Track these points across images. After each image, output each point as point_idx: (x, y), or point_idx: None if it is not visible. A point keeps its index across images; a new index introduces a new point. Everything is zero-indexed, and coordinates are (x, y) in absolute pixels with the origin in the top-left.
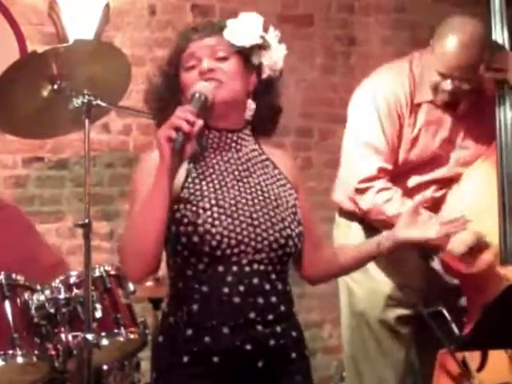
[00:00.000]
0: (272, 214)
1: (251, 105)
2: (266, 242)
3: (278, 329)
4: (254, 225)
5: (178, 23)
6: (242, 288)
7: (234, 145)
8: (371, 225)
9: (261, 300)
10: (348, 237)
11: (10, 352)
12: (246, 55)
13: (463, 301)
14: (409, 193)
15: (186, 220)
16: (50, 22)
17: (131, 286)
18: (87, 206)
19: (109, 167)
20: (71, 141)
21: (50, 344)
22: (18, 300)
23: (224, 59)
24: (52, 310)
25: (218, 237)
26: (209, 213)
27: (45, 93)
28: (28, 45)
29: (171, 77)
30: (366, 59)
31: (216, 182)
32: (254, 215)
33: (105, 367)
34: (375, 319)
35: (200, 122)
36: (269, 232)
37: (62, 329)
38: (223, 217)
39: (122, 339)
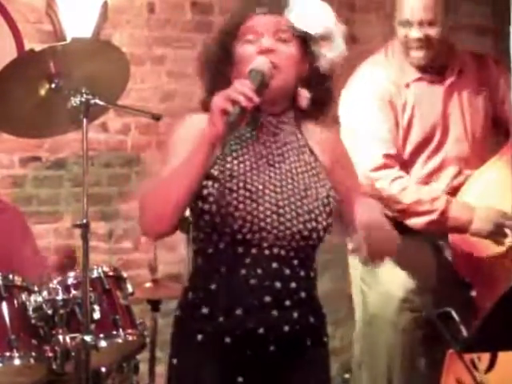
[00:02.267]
0: (299, 203)
1: (305, 93)
2: (288, 232)
3: (295, 315)
4: (278, 213)
5: (177, 21)
6: (259, 271)
7: (272, 128)
8: None
9: (278, 284)
10: None
11: (7, 354)
12: (307, 42)
13: (472, 293)
14: (424, 179)
15: (211, 198)
16: (47, 20)
17: (129, 288)
18: (85, 206)
19: (107, 167)
20: (69, 140)
21: (48, 346)
22: (16, 301)
23: (285, 41)
24: (50, 312)
25: (240, 221)
26: (235, 195)
27: (42, 91)
28: (25, 43)
29: (227, 46)
30: (367, 57)
31: (248, 163)
32: (281, 203)
33: (103, 369)
34: (388, 323)
35: (257, 100)
36: (293, 222)
37: (60, 330)
38: (248, 201)
39: (120, 341)
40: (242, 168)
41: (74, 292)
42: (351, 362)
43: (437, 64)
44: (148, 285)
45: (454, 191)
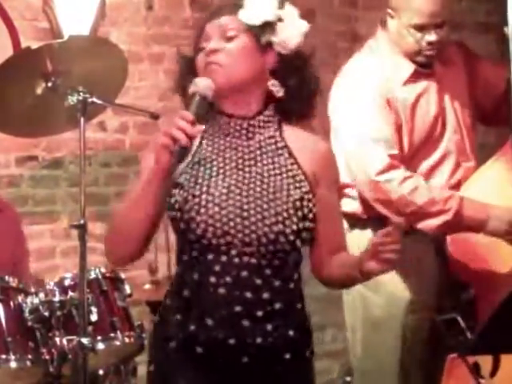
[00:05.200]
0: (266, 206)
1: (275, 86)
2: (253, 236)
3: (269, 327)
4: (242, 216)
5: (175, 19)
6: (228, 279)
7: (244, 132)
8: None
9: (249, 294)
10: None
11: (3, 356)
12: (257, 34)
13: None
14: (425, 175)
15: (176, 206)
16: (44, 17)
17: (128, 289)
18: (82, 207)
19: (105, 167)
20: (66, 139)
21: (45, 348)
22: (12, 303)
23: (232, 39)
24: (46, 314)
25: (202, 225)
26: (197, 200)
27: (39, 90)
28: (22, 40)
29: (191, 59)
30: None
31: (215, 168)
32: (246, 206)
33: (100, 372)
34: (394, 329)
35: (199, 128)
36: (258, 225)
37: (57, 332)
38: (210, 205)
39: (118, 343)
40: (208, 173)
41: (71, 294)
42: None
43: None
44: (147, 286)
45: (454, 188)
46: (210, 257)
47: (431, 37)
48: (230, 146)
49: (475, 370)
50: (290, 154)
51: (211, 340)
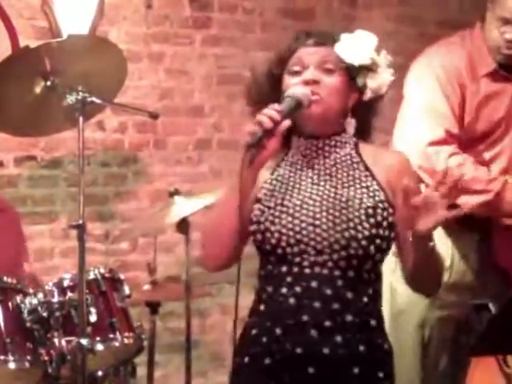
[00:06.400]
0: (337, 214)
1: (350, 124)
2: (325, 243)
3: (338, 338)
4: (314, 224)
5: (175, 17)
6: (298, 289)
7: (320, 152)
8: None
9: (317, 304)
10: None
11: (2, 357)
12: (352, 73)
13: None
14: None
15: (254, 219)
16: (42, 16)
17: (127, 290)
18: (81, 207)
19: (104, 166)
20: (65, 139)
21: (43, 349)
22: (10, 303)
23: (330, 72)
24: (45, 314)
25: (276, 234)
26: (272, 211)
27: (37, 89)
28: (20, 40)
29: (276, 76)
30: None
31: (291, 184)
32: (318, 215)
33: (99, 373)
34: (415, 319)
35: (286, 123)
36: (329, 232)
37: (56, 333)
38: (284, 215)
39: (117, 344)
40: (284, 188)
41: (69, 294)
42: None
43: None
44: (146, 287)
45: None
46: (284, 269)
47: (511, 34)
48: (307, 165)
49: (504, 362)
50: (366, 168)
51: (279, 350)
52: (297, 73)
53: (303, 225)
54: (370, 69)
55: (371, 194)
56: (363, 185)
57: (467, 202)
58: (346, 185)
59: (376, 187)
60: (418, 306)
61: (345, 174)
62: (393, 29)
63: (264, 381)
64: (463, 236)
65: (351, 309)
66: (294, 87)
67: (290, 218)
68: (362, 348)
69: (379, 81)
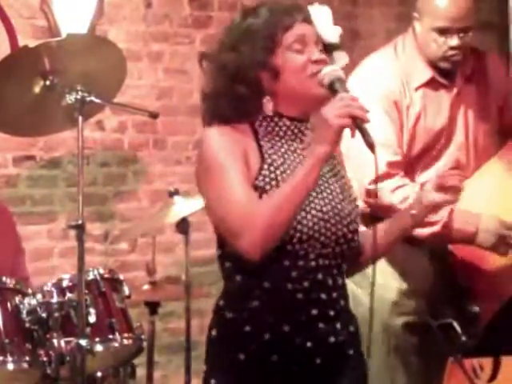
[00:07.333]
0: (339, 207)
1: None
2: (333, 237)
3: (338, 325)
4: (324, 219)
5: (174, 16)
6: (306, 284)
7: (299, 135)
8: None
9: (324, 296)
10: None
11: (1, 358)
12: (330, 52)
13: (476, 308)
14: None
15: None
16: (41, 16)
17: (126, 290)
18: (80, 207)
19: (103, 166)
20: (64, 139)
21: (42, 350)
22: (9, 304)
23: (321, 52)
24: (44, 315)
25: (291, 231)
26: None
27: (37, 89)
28: (19, 39)
29: (266, 53)
30: (370, 53)
31: (289, 172)
32: (324, 209)
33: (99, 374)
34: (380, 326)
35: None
36: (337, 227)
37: (55, 334)
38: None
39: (116, 345)
40: (286, 177)
41: (68, 295)
42: None
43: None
44: (146, 287)
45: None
46: (287, 263)
47: (453, 41)
48: (289, 149)
49: (473, 373)
50: (333, 156)
51: (288, 346)
52: (299, 51)
53: (315, 220)
54: (339, 47)
55: (348, 185)
56: (340, 175)
57: (417, 234)
58: (327, 175)
59: (347, 179)
60: (381, 313)
61: (335, 162)
62: (394, 27)
63: (270, 376)
64: (423, 248)
65: (341, 294)
66: (326, 70)
67: (303, 213)
68: (352, 329)
69: (345, 58)
